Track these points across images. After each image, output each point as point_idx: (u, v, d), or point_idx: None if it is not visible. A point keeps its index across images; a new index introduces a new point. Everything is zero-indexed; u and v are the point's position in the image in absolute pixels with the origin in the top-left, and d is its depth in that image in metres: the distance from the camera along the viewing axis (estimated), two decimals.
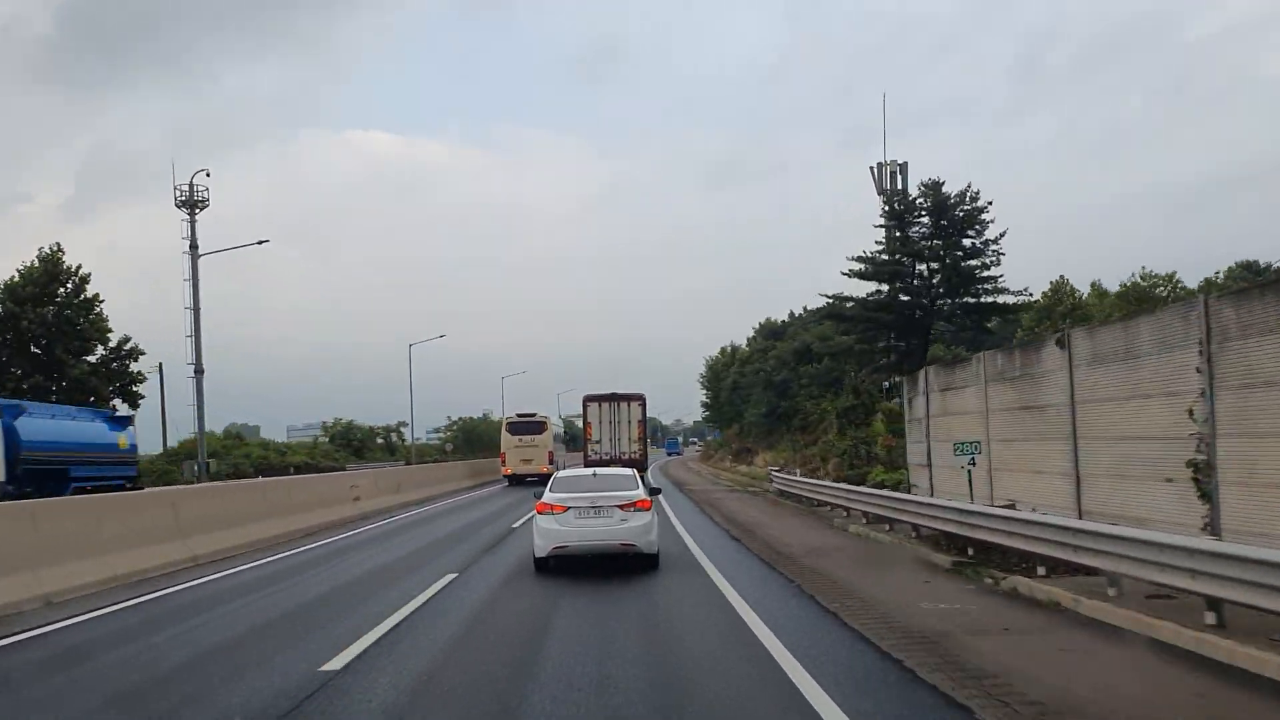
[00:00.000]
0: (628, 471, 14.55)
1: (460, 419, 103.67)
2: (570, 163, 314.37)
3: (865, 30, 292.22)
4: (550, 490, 13.07)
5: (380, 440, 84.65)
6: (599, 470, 14.95)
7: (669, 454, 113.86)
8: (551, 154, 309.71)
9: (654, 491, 13.76)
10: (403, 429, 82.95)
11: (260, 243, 41.77)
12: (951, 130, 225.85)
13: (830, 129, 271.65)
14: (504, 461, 40.33)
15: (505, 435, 41.01)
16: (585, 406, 34.63)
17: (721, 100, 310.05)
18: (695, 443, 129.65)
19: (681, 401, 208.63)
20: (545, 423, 42.18)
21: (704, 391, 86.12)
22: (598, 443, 33.34)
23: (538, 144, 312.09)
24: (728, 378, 72.48)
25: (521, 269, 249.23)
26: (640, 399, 34.00)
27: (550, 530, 12.41)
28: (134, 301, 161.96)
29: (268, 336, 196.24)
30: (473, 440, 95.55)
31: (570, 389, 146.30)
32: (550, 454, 39.86)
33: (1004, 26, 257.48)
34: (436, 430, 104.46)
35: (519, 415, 42.54)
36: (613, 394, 33.94)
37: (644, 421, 34.30)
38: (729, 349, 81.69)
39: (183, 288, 39.78)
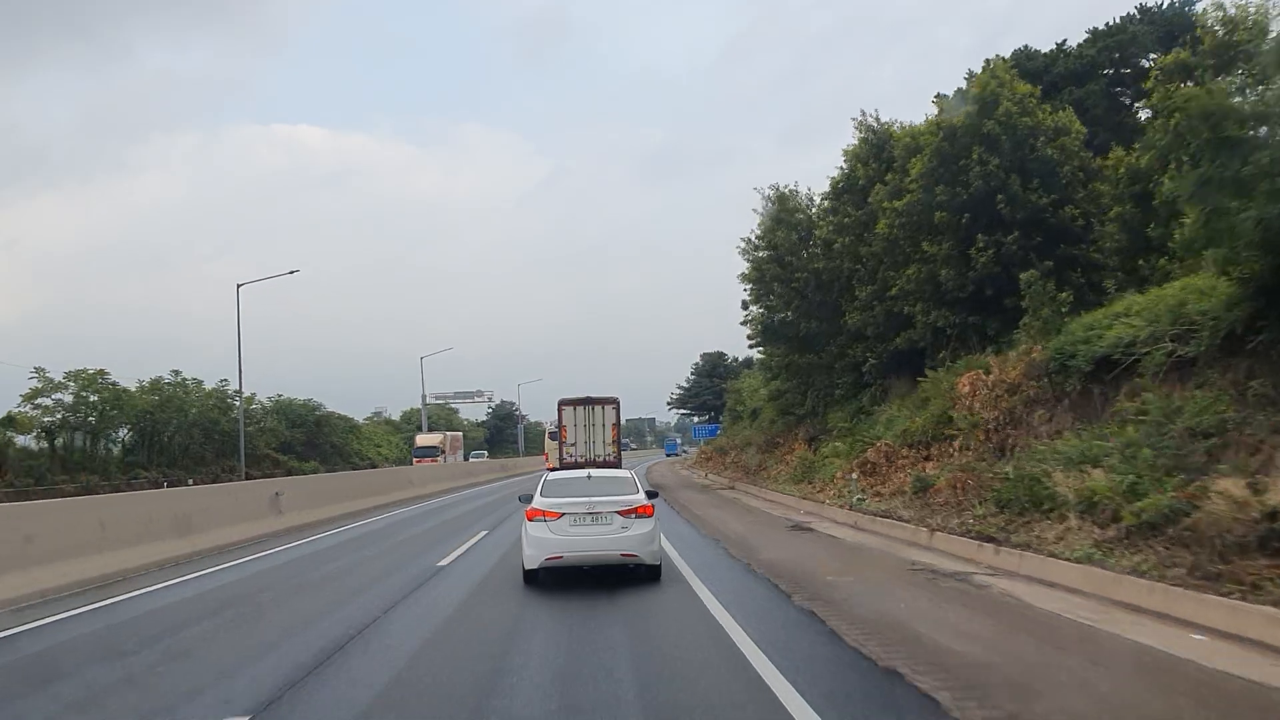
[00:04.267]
0: (625, 473, 13.52)
1: (80, 374, 47.90)
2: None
3: None
4: (540, 494, 11.80)
5: None
6: (594, 472, 13.44)
7: (668, 454, 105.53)
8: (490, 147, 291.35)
9: (651, 495, 12.06)
10: None
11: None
12: None
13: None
14: (548, 458, 47.72)
15: (548, 441, 51.23)
16: (560, 410, 34.89)
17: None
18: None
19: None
20: None
21: (749, 295, 35.69)
22: (572, 445, 33.73)
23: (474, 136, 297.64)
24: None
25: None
26: (614, 402, 34.37)
27: (542, 539, 11.24)
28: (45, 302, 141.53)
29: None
30: (153, 438, 48.33)
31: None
32: None
33: None
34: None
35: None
36: (586, 397, 34.56)
37: (618, 425, 34.43)
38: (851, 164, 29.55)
39: None
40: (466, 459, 77.62)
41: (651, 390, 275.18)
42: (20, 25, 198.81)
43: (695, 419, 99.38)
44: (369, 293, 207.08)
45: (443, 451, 71.09)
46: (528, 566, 11.33)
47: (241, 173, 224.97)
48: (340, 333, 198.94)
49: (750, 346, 42.45)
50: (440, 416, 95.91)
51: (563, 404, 34.74)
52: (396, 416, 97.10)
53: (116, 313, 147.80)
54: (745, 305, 38.67)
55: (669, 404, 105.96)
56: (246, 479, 47.13)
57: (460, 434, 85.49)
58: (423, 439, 75.72)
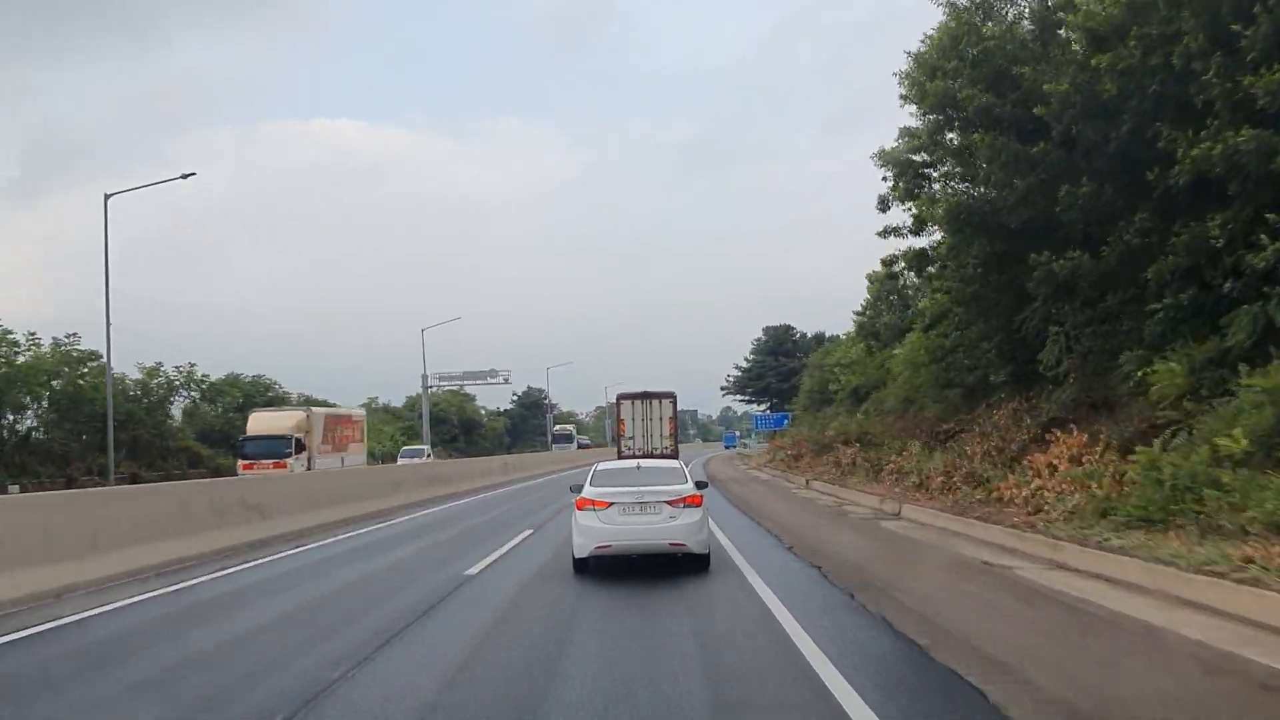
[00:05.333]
0: (674, 464, 13.50)
1: None
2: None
3: None
4: (591, 484, 11.88)
5: None
6: (643, 462, 13.65)
7: (727, 447, 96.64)
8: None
9: (700, 485, 12.03)
10: None
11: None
12: None
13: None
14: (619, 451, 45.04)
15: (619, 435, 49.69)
16: (618, 404, 35.71)
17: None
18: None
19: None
20: None
21: (893, 186, 21.81)
22: (630, 438, 34.04)
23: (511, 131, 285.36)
24: None
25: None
26: (671, 396, 34.84)
27: (591, 528, 11.34)
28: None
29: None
30: None
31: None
32: None
33: None
34: None
35: None
36: (644, 392, 34.80)
37: (674, 418, 35.08)
38: None
39: None
40: (381, 458, 52.03)
41: (692, 382, 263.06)
42: (57, 18, 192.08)
43: (755, 406, 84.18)
44: (380, 285, 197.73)
45: (301, 446, 39.77)
46: (577, 555, 11.51)
47: (252, 173, 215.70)
48: (353, 327, 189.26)
49: (898, 268, 26.97)
50: (451, 404, 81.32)
51: (621, 398, 35.31)
52: (400, 404, 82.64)
53: (143, 306, 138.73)
54: (883, 204, 23.67)
55: (724, 389, 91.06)
56: (131, 482, 32.97)
57: (356, 414, 50.32)
58: (259, 419, 42.05)
